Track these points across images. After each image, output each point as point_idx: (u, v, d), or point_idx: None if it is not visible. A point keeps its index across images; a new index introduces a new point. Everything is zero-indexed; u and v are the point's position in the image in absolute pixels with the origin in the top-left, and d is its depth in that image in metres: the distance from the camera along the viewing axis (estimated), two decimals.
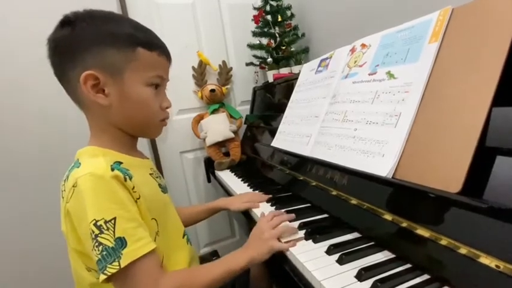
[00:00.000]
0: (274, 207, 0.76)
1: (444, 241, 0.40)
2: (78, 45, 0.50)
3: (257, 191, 0.89)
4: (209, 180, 1.45)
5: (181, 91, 1.37)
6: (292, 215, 0.66)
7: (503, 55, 0.40)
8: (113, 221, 0.44)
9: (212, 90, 1.35)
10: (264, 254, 0.57)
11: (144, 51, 0.53)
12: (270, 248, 0.57)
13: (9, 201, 1.10)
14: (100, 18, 0.52)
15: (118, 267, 0.43)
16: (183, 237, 0.66)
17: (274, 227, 0.61)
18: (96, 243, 0.43)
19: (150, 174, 0.62)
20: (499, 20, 0.43)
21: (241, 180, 1.07)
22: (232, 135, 1.35)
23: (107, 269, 0.43)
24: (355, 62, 0.71)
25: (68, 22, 0.51)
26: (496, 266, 0.34)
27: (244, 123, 1.42)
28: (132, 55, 0.52)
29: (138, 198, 0.51)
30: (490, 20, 0.44)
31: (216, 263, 0.57)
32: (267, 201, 0.80)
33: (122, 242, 0.44)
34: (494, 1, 0.44)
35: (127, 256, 0.44)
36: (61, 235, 0.53)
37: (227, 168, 1.29)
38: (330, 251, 0.52)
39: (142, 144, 0.65)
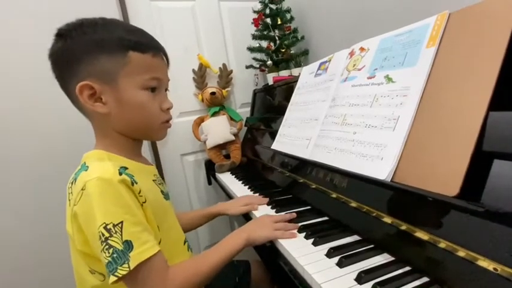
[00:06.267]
0: (274, 210, 0.76)
1: (443, 244, 0.41)
2: (71, 57, 0.50)
3: (257, 194, 0.90)
4: (210, 183, 1.46)
5: (181, 94, 1.38)
6: (294, 214, 0.68)
7: (499, 59, 0.41)
8: (120, 225, 0.45)
9: (213, 93, 1.35)
10: (261, 237, 0.61)
11: (136, 54, 0.52)
12: (270, 234, 0.61)
13: (9, 202, 1.11)
14: (89, 26, 0.51)
15: (128, 269, 0.44)
16: (184, 244, 0.66)
17: (275, 222, 0.64)
18: (106, 246, 0.44)
19: (154, 180, 0.62)
20: (495, 24, 0.43)
21: (242, 183, 1.08)
22: (233, 137, 1.35)
23: (118, 270, 0.44)
24: (354, 65, 0.71)
25: (60, 35, 0.51)
26: (494, 268, 0.35)
27: (245, 125, 1.43)
28: (124, 60, 0.51)
29: (144, 202, 0.52)
30: (487, 25, 0.44)
31: (216, 249, 0.58)
32: (268, 204, 0.80)
33: (129, 245, 0.45)
34: (491, 6, 0.45)
35: (134, 258, 0.45)
36: (61, 238, 0.53)
37: (228, 171, 1.30)
38: (330, 253, 0.52)
39: (143, 146, 0.65)
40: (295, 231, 0.62)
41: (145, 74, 0.54)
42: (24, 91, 1.10)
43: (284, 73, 1.28)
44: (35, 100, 1.11)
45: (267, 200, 0.82)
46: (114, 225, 0.45)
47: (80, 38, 0.50)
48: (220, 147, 1.36)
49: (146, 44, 0.54)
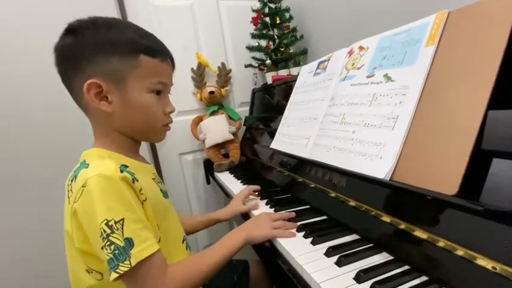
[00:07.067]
0: (273, 209, 0.76)
1: (441, 243, 0.41)
2: (81, 54, 0.50)
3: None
4: (208, 182, 1.46)
5: (180, 93, 1.37)
6: (293, 213, 0.68)
7: (498, 58, 0.41)
8: (121, 222, 0.45)
9: (211, 92, 1.35)
10: (260, 235, 0.61)
11: (147, 58, 0.53)
12: (268, 232, 0.61)
13: (8, 201, 1.11)
14: (103, 25, 0.52)
15: (129, 265, 0.44)
16: (183, 242, 0.66)
17: (274, 220, 0.64)
18: (108, 243, 0.44)
19: (153, 179, 0.62)
20: (494, 23, 0.43)
21: (241, 182, 1.08)
22: (232, 136, 1.35)
23: (119, 267, 0.44)
24: (353, 64, 0.71)
25: (71, 30, 0.51)
26: (493, 267, 0.35)
27: (244, 124, 1.43)
28: (135, 62, 0.52)
29: (145, 200, 0.52)
30: (485, 24, 0.44)
31: (215, 248, 0.59)
32: (266, 203, 0.80)
33: (129, 243, 0.45)
34: (490, 5, 0.45)
35: (135, 256, 0.45)
36: (56, 238, 0.53)
37: (226, 170, 1.30)
38: (328, 253, 0.52)
39: (142, 145, 0.65)
40: (294, 230, 0.62)
41: (153, 77, 0.55)
42: (24, 90, 1.09)
43: (283, 72, 1.28)
44: (31, 99, 1.11)
45: (258, 187, 0.88)
46: (115, 222, 0.45)
47: (92, 36, 0.50)
48: (219, 146, 1.36)
49: (156, 49, 0.55)
